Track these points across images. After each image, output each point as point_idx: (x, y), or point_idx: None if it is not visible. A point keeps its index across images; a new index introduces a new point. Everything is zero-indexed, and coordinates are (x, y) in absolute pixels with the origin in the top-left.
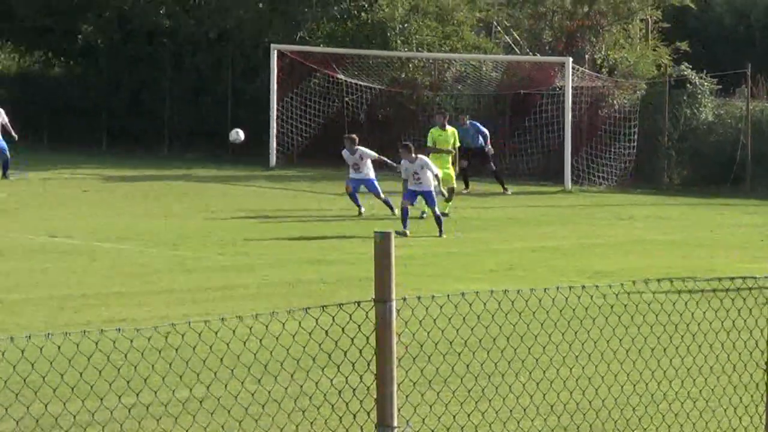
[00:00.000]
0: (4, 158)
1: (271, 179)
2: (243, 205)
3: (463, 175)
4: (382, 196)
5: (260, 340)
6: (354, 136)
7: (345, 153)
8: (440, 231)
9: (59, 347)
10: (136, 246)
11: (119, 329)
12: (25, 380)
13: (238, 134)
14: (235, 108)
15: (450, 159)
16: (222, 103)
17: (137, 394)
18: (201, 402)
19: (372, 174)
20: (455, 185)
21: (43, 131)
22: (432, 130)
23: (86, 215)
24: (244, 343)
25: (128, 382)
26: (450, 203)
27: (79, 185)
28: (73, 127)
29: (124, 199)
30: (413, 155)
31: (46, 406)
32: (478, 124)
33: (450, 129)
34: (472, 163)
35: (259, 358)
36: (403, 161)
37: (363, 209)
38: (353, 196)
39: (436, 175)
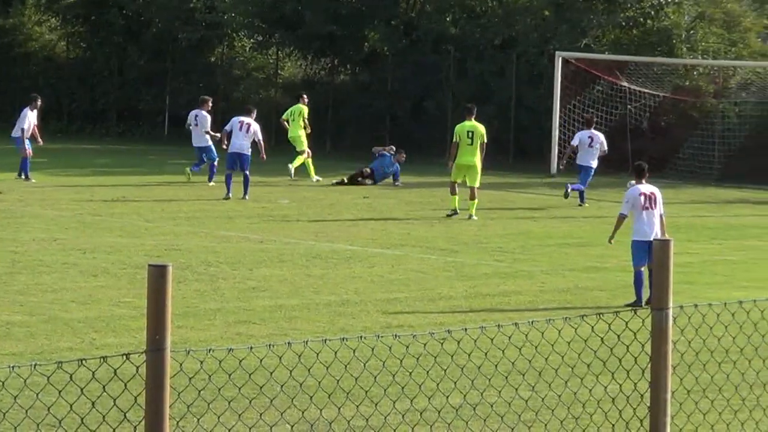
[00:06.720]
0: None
1: (552, 186)
2: (522, 212)
3: None
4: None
5: (535, 347)
6: None
7: None
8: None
9: (335, 352)
10: (414, 252)
11: (396, 335)
12: (301, 385)
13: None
14: (517, 115)
15: None
16: (505, 111)
17: (411, 400)
18: (474, 408)
19: None
20: None
21: (326, 137)
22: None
23: (365, 221)
24: (519, 350)
25: (402, 388)
26: None
27: (360, 192)
28: (357, 133)
29: (405, 206)
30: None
31: (321, 410)
32: None
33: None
34: None
35: (534, 365)
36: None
37: None
38: None
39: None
